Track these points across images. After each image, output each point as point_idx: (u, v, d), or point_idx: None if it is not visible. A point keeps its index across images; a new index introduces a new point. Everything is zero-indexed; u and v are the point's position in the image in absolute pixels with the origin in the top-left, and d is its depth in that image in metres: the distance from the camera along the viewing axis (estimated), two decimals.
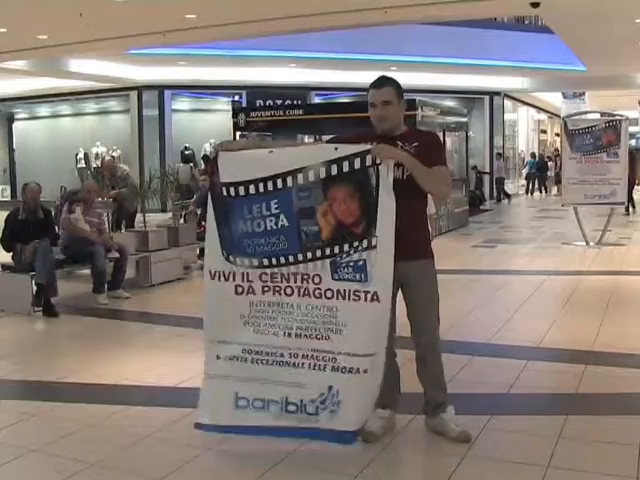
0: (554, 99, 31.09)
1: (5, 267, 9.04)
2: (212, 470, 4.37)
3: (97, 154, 26.18)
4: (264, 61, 20.91)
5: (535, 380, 5.91)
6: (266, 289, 4.43)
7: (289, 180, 4.26)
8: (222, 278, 4.52)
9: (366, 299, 4.18)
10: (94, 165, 25.38)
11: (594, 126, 14.24)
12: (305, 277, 4.31)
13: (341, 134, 4.69)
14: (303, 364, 4.35)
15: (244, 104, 24.20)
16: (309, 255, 4.27)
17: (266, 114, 17.36)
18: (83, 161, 26.05)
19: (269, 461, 4.33)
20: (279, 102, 22.03)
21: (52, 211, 9.82)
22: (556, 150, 31.83)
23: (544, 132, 39.37)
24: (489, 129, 27.84)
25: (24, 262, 8.67)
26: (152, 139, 24.29)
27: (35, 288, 8.63)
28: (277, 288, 4.40)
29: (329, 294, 4.26)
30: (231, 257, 4.47)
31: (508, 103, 29.38)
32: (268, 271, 4.40)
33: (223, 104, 25.49)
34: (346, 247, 4.19)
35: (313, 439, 4.40)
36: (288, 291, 4.37)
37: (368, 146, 4.21)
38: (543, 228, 17.54)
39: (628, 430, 4.76)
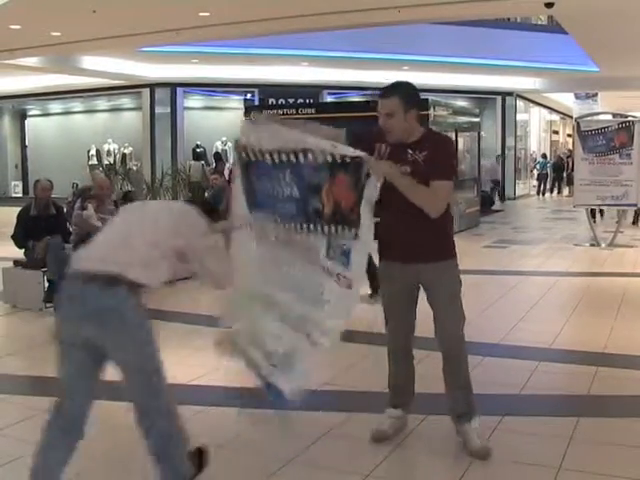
0: (566, 100, 30.98)
1: (17, 263, 9.07)
2: (223, 468, 4.37)
3: (109, 151, 26.28)
4: (276, 59, 20.92)
5: (547, 381, 5.90)
6: (276, 245, 4.46)
7: (301, 156, 4.27)
8: (242, 231, 4.58)
9: (345, 284, 4.21)
10: (106, 162, 25.47)
11: (607, 127, 14.19)
12: (308, 246, 4.33)
13: (363, 129, 4.63)
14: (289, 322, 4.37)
15: (256, 102, 24.22)
16: (312, 227, 4.30)
17: (278, 113, 17.34)
18: (95, 158, 26.13)
19: (280, 460, 4.34)
20: (291, 101, 22.05)
21: (64, 207, 9.83)
22: (569, 151, 31.72)
23: (556, 133, 39.26)
24: (501, 129, 27.79)
25: (36, 258, 8.70)
26: (164, 137, 24.33)
27: (47, 284, 8.65)
28: (287, 243, 4.43)
29: (320, 270, 4.27)
30: (252, 213, 4.54)
31: (520, 103, 29.31)
32: (281, 228, 4.43)
33: (235, 102, 25.50)
34: (340, 230, 4.20)
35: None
36: (295, 252, 4.39)
37: (360, 153, 4.13)
38: (554, 229, 17.50)
39: None
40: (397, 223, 4.43)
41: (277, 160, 4.36)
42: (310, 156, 4.24)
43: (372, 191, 4.12)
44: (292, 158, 4.31)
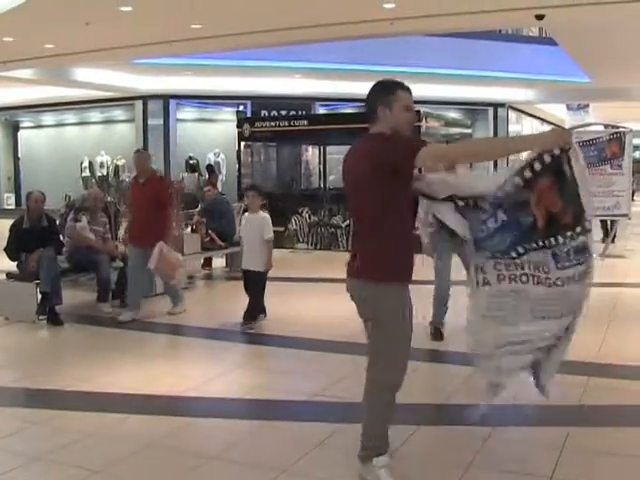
0: (558, 111, 31.10)
1: (10, 275, 9.06)
2: (214, 479, 4.37)
3: (102, 163, 26.27)
4: (269, 71, 20.97)
5: (539, 391, 5.89)
6: (501, 277, 4.29)
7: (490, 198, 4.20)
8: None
9: (588, 278, 4.19)
10: (98, 174, 25.46)
11: (598, 138, 14.23)
12: (536, 265, 4.21)
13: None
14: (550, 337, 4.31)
15: (249, 114, 24.26)
16: (533, 245, 4.19)
17: (271, 124, 17.40)
18: (88, 170, 26.12)
19: (272, 470, 4.34)
20: (284, 112, 22.12)
21: (57, 219, 9.83)
22: None
23: None
24: None
25: (29, 270, 8.69)
26: (157, 148, 24.29)
27: (40, 296, 8.64)
28: (512, 276, 4.28)
29: (559, 282, 4.18)
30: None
31: (512, 114, 29.38)
32: (501, 261, 4.29)
33: (228, 114, 25.52)
34: (561, 239, 4.12)
35: None
36: (524, 279, 4.26)
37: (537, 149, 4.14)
38: None
39: (632, 442, 4.77)
40: (408, 238, 4.27)
41: (470, 204, 4.24)
42: (500, 193, 4.15)
43: (579, 160, 4.14)
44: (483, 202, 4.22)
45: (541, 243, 4.17)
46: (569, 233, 4.11)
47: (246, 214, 8.59)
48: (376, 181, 3.99)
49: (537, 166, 4.10)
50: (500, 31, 21.45)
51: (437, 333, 7.54)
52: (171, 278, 9.01)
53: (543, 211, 4.14)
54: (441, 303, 7.57)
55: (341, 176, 4.43)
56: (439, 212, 4.46)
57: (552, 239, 4.14)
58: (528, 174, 4.10)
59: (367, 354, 4.26)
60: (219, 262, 12.93)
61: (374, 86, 4.32)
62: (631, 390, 5.90)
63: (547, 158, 4.09)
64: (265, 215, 8.40)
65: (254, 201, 8.40)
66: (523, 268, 4.26)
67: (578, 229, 4.10)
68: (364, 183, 4.05)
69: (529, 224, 4.17)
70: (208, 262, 12.66)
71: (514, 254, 4.24)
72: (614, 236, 14.97)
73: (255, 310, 8.28)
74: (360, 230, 4.20)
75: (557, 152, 4.09)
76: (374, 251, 4.09)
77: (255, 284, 8.27)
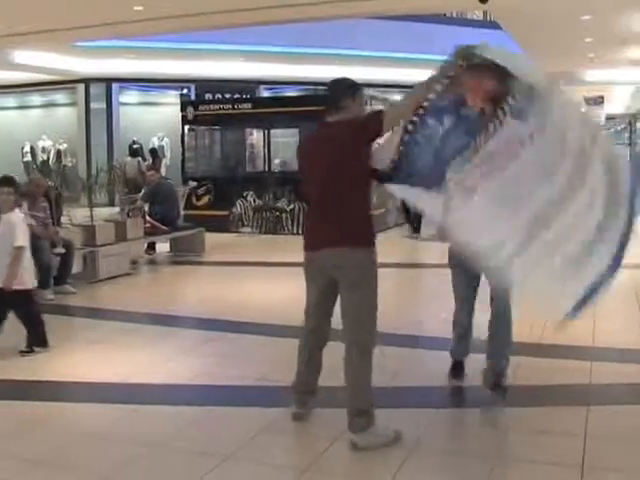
0: None
1: None
2: (161, 466, 4.33)
3: (43, 148, 25.82)
4: (213, 54, 20.82)
5: (475, 373, 5.89)
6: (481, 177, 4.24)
7: None
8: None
9: None
10: (40, 159, 25.03)
11: None
12: (495, 152, 4.20)
13: None
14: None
15: (193, 98, 24.07)
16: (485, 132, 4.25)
17: (215, 108, 17.32)
18: (29, 155, 25.67)
19: (219, 456, 4.32)
20: (228, 96, 21.98)
21: None
22: None
23: None
24: None
25: None
26: (99, 132, 24.02)
27: None
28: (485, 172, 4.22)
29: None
30: None
31: None
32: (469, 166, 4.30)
33: (172, 97, 25.25)
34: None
35: None
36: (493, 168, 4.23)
37: None
38: None
39: (571, 420, 4.82)
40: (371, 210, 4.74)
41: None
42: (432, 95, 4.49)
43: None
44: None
45: (492, 127, 4.21)
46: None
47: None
48: (356, 160, 4.41)
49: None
50: (445, 14, 21.55)
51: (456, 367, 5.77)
52: None
53: (484, 98, 4.40)
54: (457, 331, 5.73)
55: (294, 160, 4.70)
56: (409, 198, 4.67)
57: (500, 112, 4.23)
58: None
59: (344, 321, 4.47)
60: (163, 247, 12.83)
61: (340, 81, 4.75)
62: (566, 369, 5.92)
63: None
64: (18, 217, 6.82)
65: (8, 199, 6.74)
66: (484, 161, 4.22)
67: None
68: (344, 160, 4.40)
69: (476, 116, 4.41)
70: (152, 246, 12.57)
71: (474, 144, 4.24)
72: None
73: (35, 336, 6.74)
74: (332, 204, 4.46)
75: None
76: (355, 221, 4.45)
77: (14, 306, 6.77)
